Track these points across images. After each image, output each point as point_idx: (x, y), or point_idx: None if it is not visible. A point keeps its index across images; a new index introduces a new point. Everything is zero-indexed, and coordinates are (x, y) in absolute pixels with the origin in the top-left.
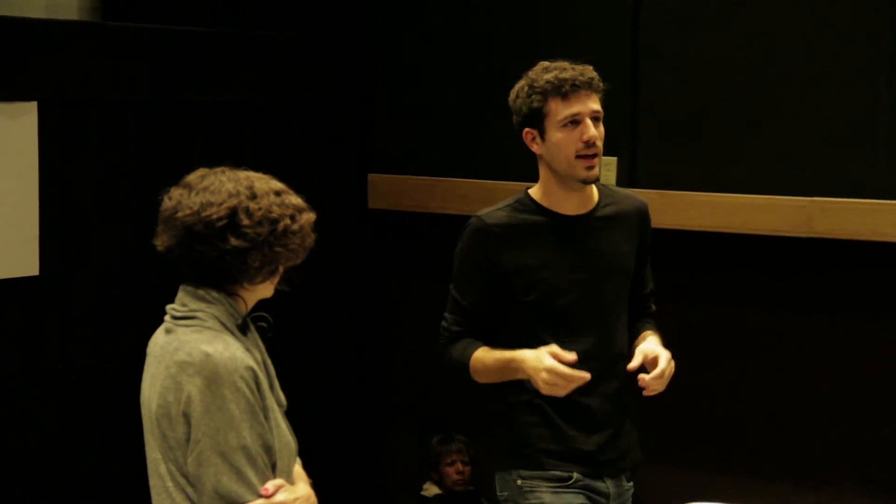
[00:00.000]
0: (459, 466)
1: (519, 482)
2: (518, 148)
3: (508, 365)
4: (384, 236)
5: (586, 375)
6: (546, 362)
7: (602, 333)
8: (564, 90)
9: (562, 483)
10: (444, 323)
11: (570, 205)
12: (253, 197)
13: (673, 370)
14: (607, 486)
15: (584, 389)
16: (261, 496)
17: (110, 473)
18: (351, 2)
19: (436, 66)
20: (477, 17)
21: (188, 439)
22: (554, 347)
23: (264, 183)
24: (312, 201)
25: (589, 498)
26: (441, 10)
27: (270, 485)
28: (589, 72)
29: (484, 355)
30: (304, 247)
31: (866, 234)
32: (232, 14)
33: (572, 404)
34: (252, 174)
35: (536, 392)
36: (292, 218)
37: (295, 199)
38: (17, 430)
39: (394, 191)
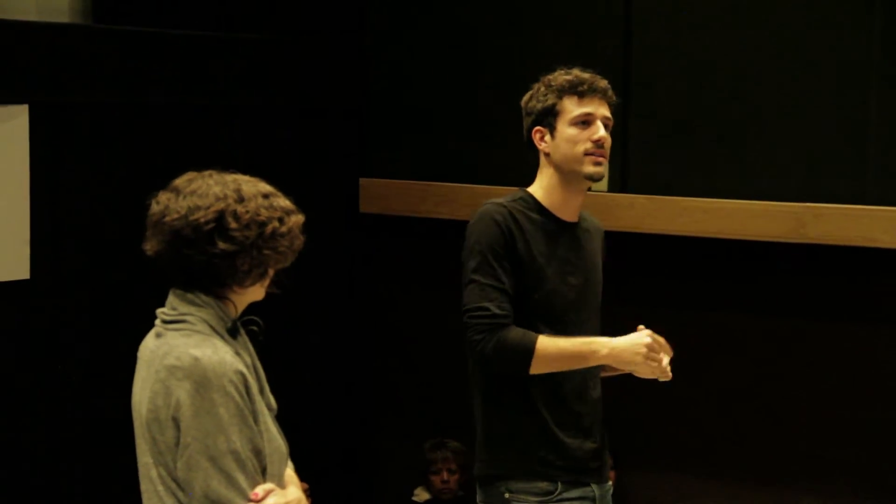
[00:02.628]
0: (445, 475)
1: (507, 495)
2: (510, 153)
3: (586, 349)
4: (375, 240)
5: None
6: (646, 340)
7: (579, 331)
8: (581, 89)
9: (549, 496)
10: (483, 311)
11: (567, 211)
12: (241, 200)
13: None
14: (593, 490)
15: (576, 396)
16: (250, 501)
17: (101, 477)
18: (343, 6)
19: (427, 71)
20: (469, 22)
21: (178, 443)
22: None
23: (252, 186)
24: (304, 205)
25: None
26: (433, 15)
27: (260, 489)
28: (604, 81)
29: (552, 341)
30: (293, 249)
31: (858, 240)
32: (223, 18)
33: (567, 411)
34: (240, 177)
35: (535, 400)
36: (280, 220)
37: (283, 202)
38: (7, 433)
39: (385, 195)
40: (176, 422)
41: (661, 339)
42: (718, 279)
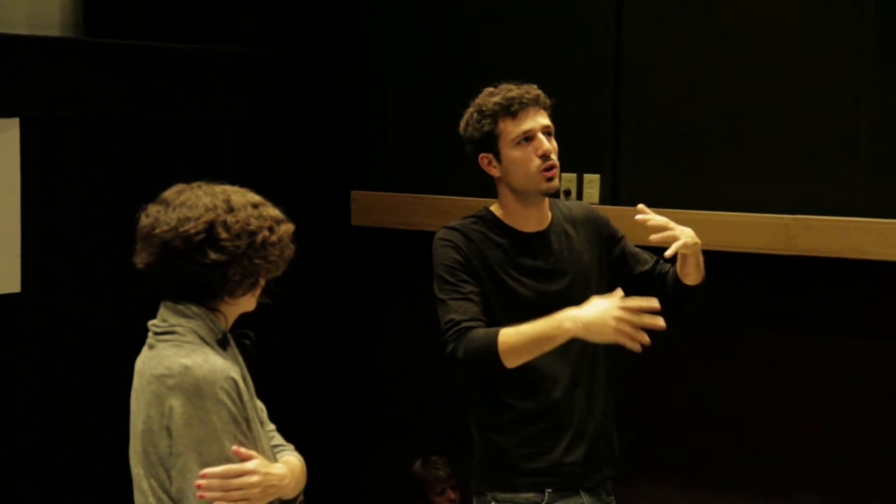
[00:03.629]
0: (451, 495)
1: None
2: None
3: (550, 327)
4: (367, 253)
5: (660, 321)
6: (615, 303)
7: (572, 342)
8: (514, 109)
9: None
10: (450, 322)
11: (530, 222)
12: (230, 210)
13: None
14: (584, 500)
15: (562, 400)
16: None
17: (92, 489)
18: (334, 18)
19: (419, 83)
20: (460, 35)
21: (171, 453)
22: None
23: (241, 196)
24: (295, 219)
25: None
26: (424, 27)
27: (243, 449)
28: (534, 90)
29: (514, 329)
30: (283, 258)
31: (848, 251)
32: (214, 31)
33: (551, 418)
34: (229, 188)
35: (517, 410)
36: (270, 230)
37: (272, 211)
38: None
39: (376, 207)
40: (168, 431)
41: (635, 303)
42: (708, 290)
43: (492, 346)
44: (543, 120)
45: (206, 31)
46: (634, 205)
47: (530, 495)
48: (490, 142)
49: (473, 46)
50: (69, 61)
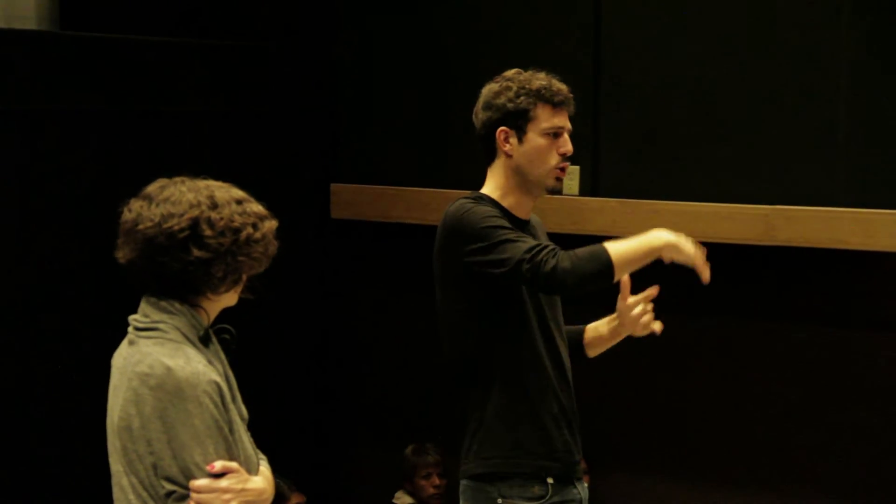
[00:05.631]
0: (436, 480)
1: (500, 500)
2: (481, 158)
3: (650, 238)
4: (347, 246)
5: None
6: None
7: (560, 332)
8: (557, 100)
9: (541, 501)
10: (533, 248)
11: (522, 209)
12: (214, 207)
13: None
14: (578, 490)
15: (562, 388)
16: (208, 475)
17: (71, 485)
18: (315, 13)
19: (399, 76)
20: (440, 30)
21: (150, 453)
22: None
23: (225, 192)
24: (275, 211)
25: None
26: (405, 21)
27: (219, 464)
28: (569, 90)
29: (618, 243)
30: (267, 255)
31: (828, 242)
32: (193, 24)
33: (556, 405)
34: (212, 183)
35: (527, 391)
36: (254, 226)
37: (256, 207)
38: None
39: (357, 200)
40: (148, 432)
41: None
42: (688, 282)
43: (603, 256)
44: (569, 123)
45: (185, 25)
46: (614, 196)
47: (537, 488)
48: (520, 119)
49: (454, 42)
50: (46, 55)
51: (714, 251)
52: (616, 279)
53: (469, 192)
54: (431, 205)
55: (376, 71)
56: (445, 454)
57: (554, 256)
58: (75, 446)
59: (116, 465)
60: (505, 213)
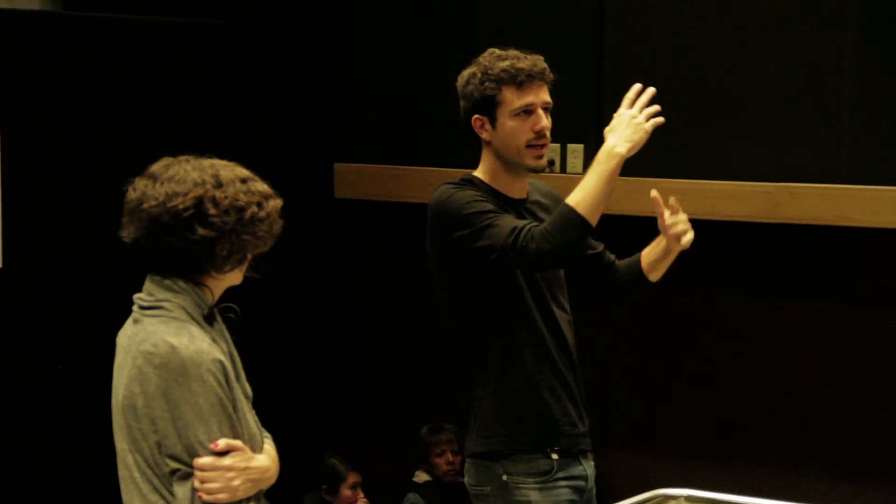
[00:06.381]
0: (450, 457)
1: (504, 477)
2: None
3: (606, 162)
4: (351, 225)
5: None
6: (630, 112)
7: (560, 308)
8: (520, 80)
9: (547, 476)
10: (514, 230)
11: (514, 189)
12: (219, 185)
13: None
14: (584, 467)
15: (563, 363)
16: (212, 453)
17: (79, 464)
18: None
19: (402, 55)
20: (443, 8)
21: (155, 431)
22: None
23: (229, 171)
24: (279, 191)
25: (571, 487)
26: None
27: (222, 442)
28: (541, 62)
29: (577, 191)
30: (271, 233)
31: (832, 219)
32: (196, 4)
33: (555, 379)
34: (217, 162)
35: (529, 373)
36: (259, 205)
37: (261, 186)
38: None
39: (360, 180)
40: (152, 410)
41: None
42: (693, 259)
43: (574, 219)
44: (545, 95)
45: (188, 5)
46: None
47: (543, 463)
48: (488, 106)
49: (456, 20)
50: (48, 35)
51: (718, 229)
52: (594, 225)
53: (462, 172)
54: (435, 184)
55: (380, 51)
56: (460, 432)
57: (531, 239)
58: (81, 425)
59: (121, 443)
60: (496, 194)
